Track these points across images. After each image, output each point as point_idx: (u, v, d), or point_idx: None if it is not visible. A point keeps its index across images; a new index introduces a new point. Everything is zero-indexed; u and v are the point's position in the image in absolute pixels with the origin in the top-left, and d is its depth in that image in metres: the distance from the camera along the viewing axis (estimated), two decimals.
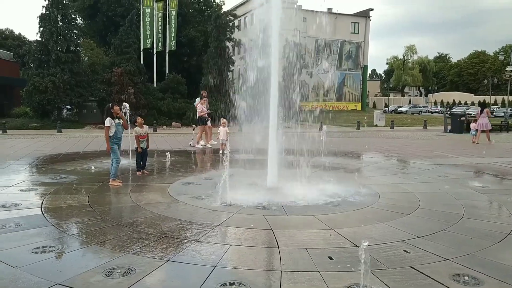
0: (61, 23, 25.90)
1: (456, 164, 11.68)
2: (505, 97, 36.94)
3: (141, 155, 9.57)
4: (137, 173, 9.51)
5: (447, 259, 4.56)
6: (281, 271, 4.21)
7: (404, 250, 4.85)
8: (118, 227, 5.52)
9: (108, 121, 8.27)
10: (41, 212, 6.19)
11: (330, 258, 4.58)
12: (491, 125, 19.83)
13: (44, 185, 8.14)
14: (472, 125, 19.86)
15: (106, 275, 4.00)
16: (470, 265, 4.38)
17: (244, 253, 4.74)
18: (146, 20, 31.46)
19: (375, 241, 5.06)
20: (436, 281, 4.02)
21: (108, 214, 6.34)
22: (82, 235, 5.24)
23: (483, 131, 18.47)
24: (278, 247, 4.89)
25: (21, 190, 7.64)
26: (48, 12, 25.45)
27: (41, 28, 25.56)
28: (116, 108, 8.40)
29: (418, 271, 4.25)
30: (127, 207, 6.77)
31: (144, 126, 9.72)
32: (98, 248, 4.80)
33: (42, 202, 6.76)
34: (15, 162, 10.83)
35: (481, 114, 19.04)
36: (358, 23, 58.76)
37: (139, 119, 9.62)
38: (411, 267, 4.36)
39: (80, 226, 5.60)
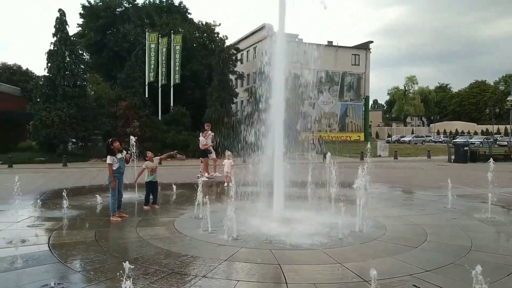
0: (68, 59, 26.53)
1: (462, 194, 11.65)
2: (508, 126, 37.11)
3: (151, 189, 9.59)
4: (144, 207, 9.49)
5: None
6: None
7: (413, 285, 4.81)
8: (125, 264, 5.51)
9: (109, 159, 8.28)
10: (48, 249, 6.21)
11: None
12: (495, 154, 19.82)
13: (50, 220, 8.18)
14: None
15: None
16: None
17: None
18: (151, 55, 32.29)
19: (384, 275, 5.02)
20: None
21: (115, 249, 6.34)
22: (89, 271, 5.24)
23: None
24: (286, 283, 4.87)
25: (28, 226, 7.68)
26: (56, 48, 26.14)
27: (49, 64, 26.19)
28: (116, 144, 8.38)
29: None
30: (134, 242, 6.77)
31: (155, 159, 9.76)
32: (106, 285, 4.80)
33: (49, 238, 6.79)
34: (22, 197, 10.88)
35: None
36: (359, 55, 59.93)
37: (150, 154, 9.68)
38: None
39: (88, 262, 5.61)
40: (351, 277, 5.06)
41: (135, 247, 6.52)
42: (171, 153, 11.36)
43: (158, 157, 10.00)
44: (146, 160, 9.62)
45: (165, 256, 5.93)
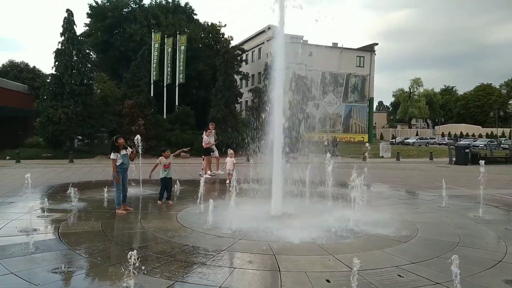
0: (75, 58, 27.07)
1: (458, 195, 11.94)
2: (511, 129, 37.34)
3: (165, 185, 9.92)
4: (158, 202, 9.81)
5: (437, 283, 4.86)
6: None
7: (398, 275, 5.15)
8: (129, 251, 5.88)
9: (113, 155, 8.65)
10: (58, 237, 6.60)
11: (328, 281, 4.90)
12: (496, 157, 20.00)
13: (60, 212, 8.57)
14: None
15: None
16: None
17: (248, 276, 5.08)
18: (157, 55, 32.74)
19: (371, 266, 5.37)
20: None
21: (121, 239, 6.74)
22: (97, 257, 5.62)
23: None
24: (279, 271, 5.22)
25: (38, 217, 8.08)
26: (63, 48, 26.69)
27: (57, 63, 26.75)
28: (121, 141, 8.73)
29: None
30: (138, 233, 7.16)
31: (170, 156, 10.09)
32: (112, 269, 5.18)
33: (59, 228, 7.18)
34: (31, 190, 11.30)
35: None
36: (363, 57, 60.12)
37: (167, 152, 10.02)
38: None
39: (95, 249, 5.98)
40: (341, 267, 5.40)
41: (139, 237, 6.91)
42: (185, 149, 11.74)
43: (173, 154, 10.33)
44: (162, 156, 9.99)
45: (167, 245, 6.31)
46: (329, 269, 5.34)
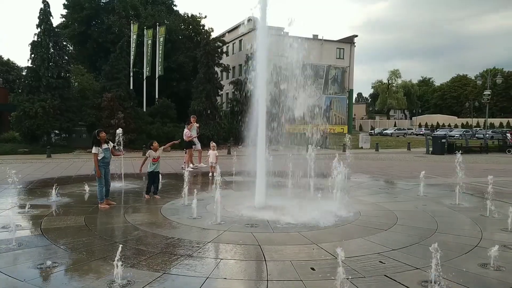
0: (52, 50, 26.49)
1: (435, 184, 12.30)
2: (486, 120, 38.38)
3: (153, 179, 9.75)
4: (145, 196, 9.71)
5: (417, 268, 5.05)
6: (267, 280, 4.64)
7: (380, 261, 5.32)
8: (115, 245, 5.89)
9: (94, 149, 8.52)
10: (41, 233, 6.54)
11: (312, 269, 5.03)
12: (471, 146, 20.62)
13: (41, 207, 8.45)
14: None
15: (108, 286, 4.40)
16: (438, 273, 4.85)
17: (234, 266, 5.17)
18: (136, 47, 32.25)
19: (354, 254, 5.53)
20: (406, 286, 4.50)
21: (105, 233, 6.72)
22: (82, 252, 5.60)
23: None
24: (265, 260, 5.32)
25: (19, 213, 7.95)
26: (40, 40, 26.04)
27: (33, 55, 26.09)
28: (102, 135, 8.61)
29: (391, 278, 4.73)
30: (122, 227, 7.15)
31: (159, 149, 9.88)
32: (98, 263, 5.19)
33: (41, 223, 7.10)
34: (10, 186, 11.10)
35: None
36: (343, 48, 60.54)
37: (155, 144, 9.83)
38: (384, 275, 4.84)
39: (79, 244, 5.96)
40: (324, 255, 5.55)
41: (123, 231, 6.91)
42: (174, 142, 11.56)
43: (162, 147, 10.17)
44: (150, 149, 9.81)
45: (153, 238, 6.34)
46: (314, 257, 5.48)
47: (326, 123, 54.24)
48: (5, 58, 61.77)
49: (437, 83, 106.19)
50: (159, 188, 10.17)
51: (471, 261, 5.36)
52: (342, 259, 3.98)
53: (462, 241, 6.30)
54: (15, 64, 59.16)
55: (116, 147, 10.22)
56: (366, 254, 5.61)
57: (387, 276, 4.79)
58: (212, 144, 14.06)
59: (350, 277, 4.56)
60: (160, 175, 10.20)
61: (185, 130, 16.00)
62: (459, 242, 6.24)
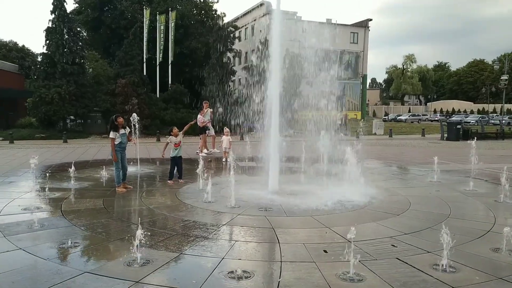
0: (66, 36, 26.70)
1: (449, 170, 12.24)
2: (503, 105, 37.73)
3: (176, 163, 9.91)
4: (168, 181, 9.87)
5: (429, 252, 5.11)
6: (281, 261, 4.76)
7: (392, 245, 5.40)
8: (132, 226, 6.08)
9: (112, 134, 8.69)
10: (62, 214, 6.76)
11: (325, 251, 5.13)
12: (487, 132, 20.34)
13: (60, 190, 8.69)
14: None
15: (127, 265, 4.56)
16: (449, 256, 4.91)
17: (248, 247, 5.30)
18: (149, 32, 32.28)
19: (366, 237, 5.61)
20: (417, 269, 4.58)
21: (122, 215, 6.92)
22: (101, 233, 5.80)
23: None
24: (279, 243, 5.44)
25: (39, 196, 8.20)
26: (54, 26, 26.25)
27: (48, 41, 26.35)
28: (120, 120, 8.79)
29: (403, 261, 4.81)
30: (140, 210, 7.34)
31: (179, 134, 9.99)
32: (117, 243, 5.38)
33: (61, 205, 7.33)
34: (30, 170, 11.41)
35: None
36: (357, 33, 59.70)
37: (175, 129, 9.97)
38: (396, 258, 4.91)
39: (98, 225, 6.16)
40: (337, 238, 5.64)
41: (140, 213, 7.09)
42: (191, 123, 11.59)
43: (181, 132, 10.25)
44: (171, 135, 9.96)
45: (169, 220, 6.52)
46: (326, 240, 5.57)
47: (342, 109, 54.01)
48: (20, 45, 62.60)
49: (453, 68, 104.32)
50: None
51: (483, 246, 5.40)
52: (353, 242, 4.07)
53: (475, 226, 6.32)
54: (30, 50, 59.88)
55: (132, 133, 10.37)
56: (379, 237, 5.69)
57: (399, 259, 4.87)
58: (226, 129, 14.16)
59: (363, 259, 4.67)
60: (182, 160, 10.29)
61: (199, 117, 16.12)
62: (472, 227, 6.27)
